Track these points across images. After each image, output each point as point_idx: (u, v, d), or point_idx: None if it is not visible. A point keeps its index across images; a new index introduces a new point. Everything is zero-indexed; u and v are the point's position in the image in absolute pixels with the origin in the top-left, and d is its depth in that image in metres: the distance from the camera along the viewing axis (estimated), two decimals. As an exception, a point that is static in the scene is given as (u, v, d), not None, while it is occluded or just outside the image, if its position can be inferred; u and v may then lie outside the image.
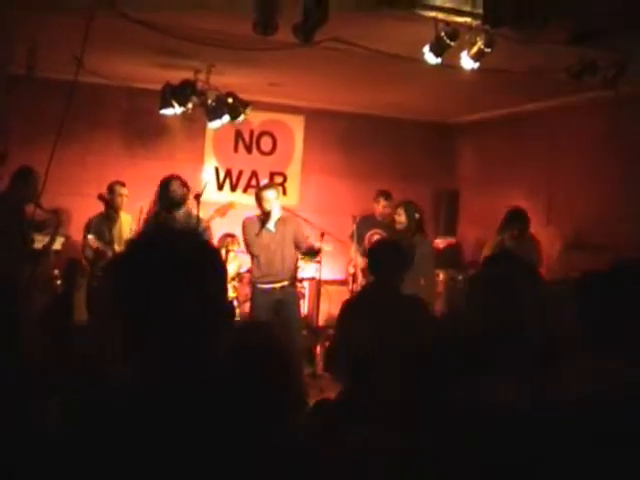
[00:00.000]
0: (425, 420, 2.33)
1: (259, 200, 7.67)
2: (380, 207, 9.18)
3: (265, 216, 7.64)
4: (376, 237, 8.55)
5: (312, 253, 8.17)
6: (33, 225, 7.35)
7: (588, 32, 6.12)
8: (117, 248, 7.81)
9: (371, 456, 2.48)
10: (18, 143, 7.26)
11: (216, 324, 1.75)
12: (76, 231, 8.51)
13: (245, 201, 10.01)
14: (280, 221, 7.70)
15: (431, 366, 2.39)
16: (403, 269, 5.32)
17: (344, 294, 8.48)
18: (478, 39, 6.07)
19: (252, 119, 9.51)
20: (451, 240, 8.57)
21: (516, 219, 8.04)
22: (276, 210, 7.65)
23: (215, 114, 8.64)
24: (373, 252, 5.50)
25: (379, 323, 4.15)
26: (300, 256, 8.18)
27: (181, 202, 7.88)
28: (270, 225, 7.64)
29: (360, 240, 8.75)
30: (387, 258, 5.26)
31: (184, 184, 7.94)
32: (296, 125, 10.56)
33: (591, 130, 8.49)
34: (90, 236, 7.98)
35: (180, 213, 7.85)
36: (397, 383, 2.66)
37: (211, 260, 1.80)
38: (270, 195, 7.64)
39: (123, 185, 8.38)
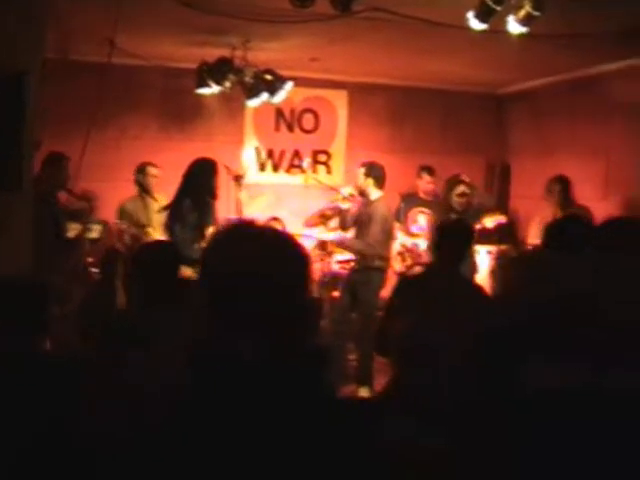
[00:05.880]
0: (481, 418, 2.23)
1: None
2: (423, 183, 8.85)
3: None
4: (420, 215, 8.27)
5: None
6: (66, 213, 7.14)
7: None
8: (151, 231, 7.52)
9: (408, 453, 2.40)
10: (50, 128, 7.04)
11: (296, 319, 1.81)
12: (113, 218, 8.31)
13: (287, 181, 9.79)
14: None
15: (495, 355, 2.33)
16: (464, 250, 5.28)
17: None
18: (525, 2, 5.68)
19: (293, 96, 9.16)
20: (501, 220, 8.13)
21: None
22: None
23: (253, 92, 8.34)
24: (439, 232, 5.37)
25: (436, 310, 4.03)
26: None
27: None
28: None
29: (403, 219, 8.46)
30: (450, 238, 5.14)
31: None
32: (339, 101, 10.21)
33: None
34: (119, 222, 7.70)
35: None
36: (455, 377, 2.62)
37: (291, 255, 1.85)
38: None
39: (154, 166, 8.11)
